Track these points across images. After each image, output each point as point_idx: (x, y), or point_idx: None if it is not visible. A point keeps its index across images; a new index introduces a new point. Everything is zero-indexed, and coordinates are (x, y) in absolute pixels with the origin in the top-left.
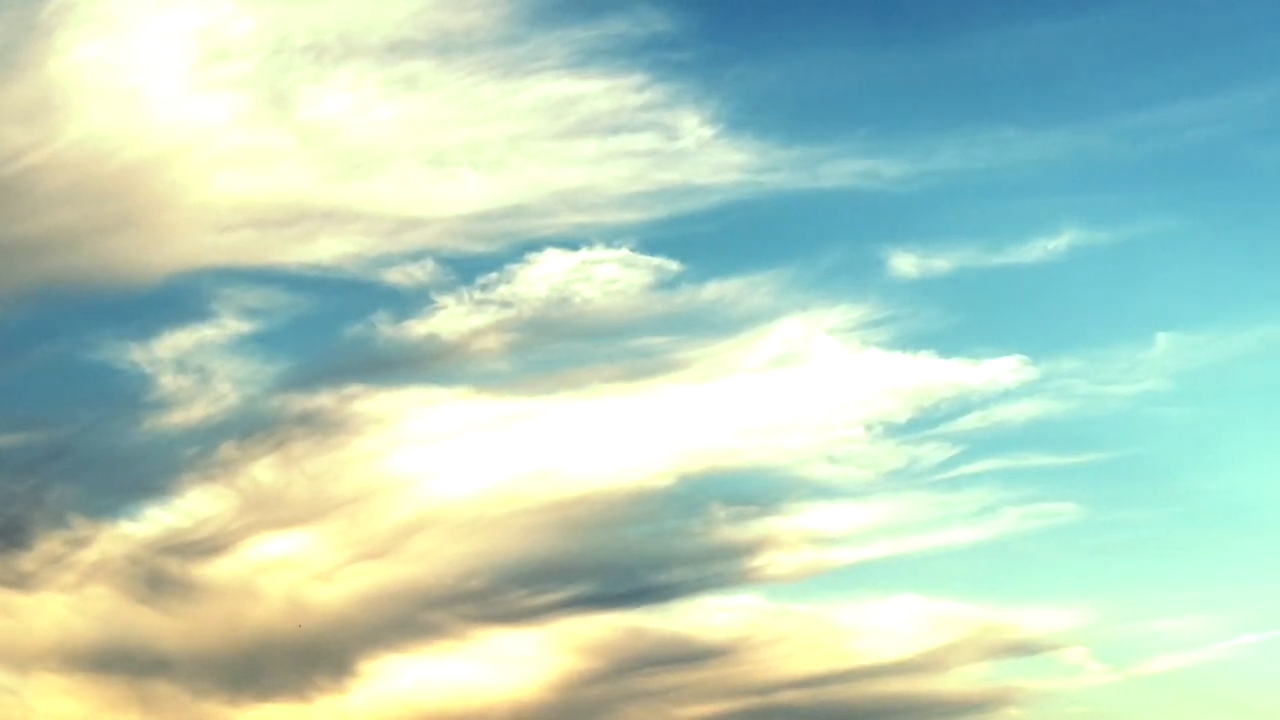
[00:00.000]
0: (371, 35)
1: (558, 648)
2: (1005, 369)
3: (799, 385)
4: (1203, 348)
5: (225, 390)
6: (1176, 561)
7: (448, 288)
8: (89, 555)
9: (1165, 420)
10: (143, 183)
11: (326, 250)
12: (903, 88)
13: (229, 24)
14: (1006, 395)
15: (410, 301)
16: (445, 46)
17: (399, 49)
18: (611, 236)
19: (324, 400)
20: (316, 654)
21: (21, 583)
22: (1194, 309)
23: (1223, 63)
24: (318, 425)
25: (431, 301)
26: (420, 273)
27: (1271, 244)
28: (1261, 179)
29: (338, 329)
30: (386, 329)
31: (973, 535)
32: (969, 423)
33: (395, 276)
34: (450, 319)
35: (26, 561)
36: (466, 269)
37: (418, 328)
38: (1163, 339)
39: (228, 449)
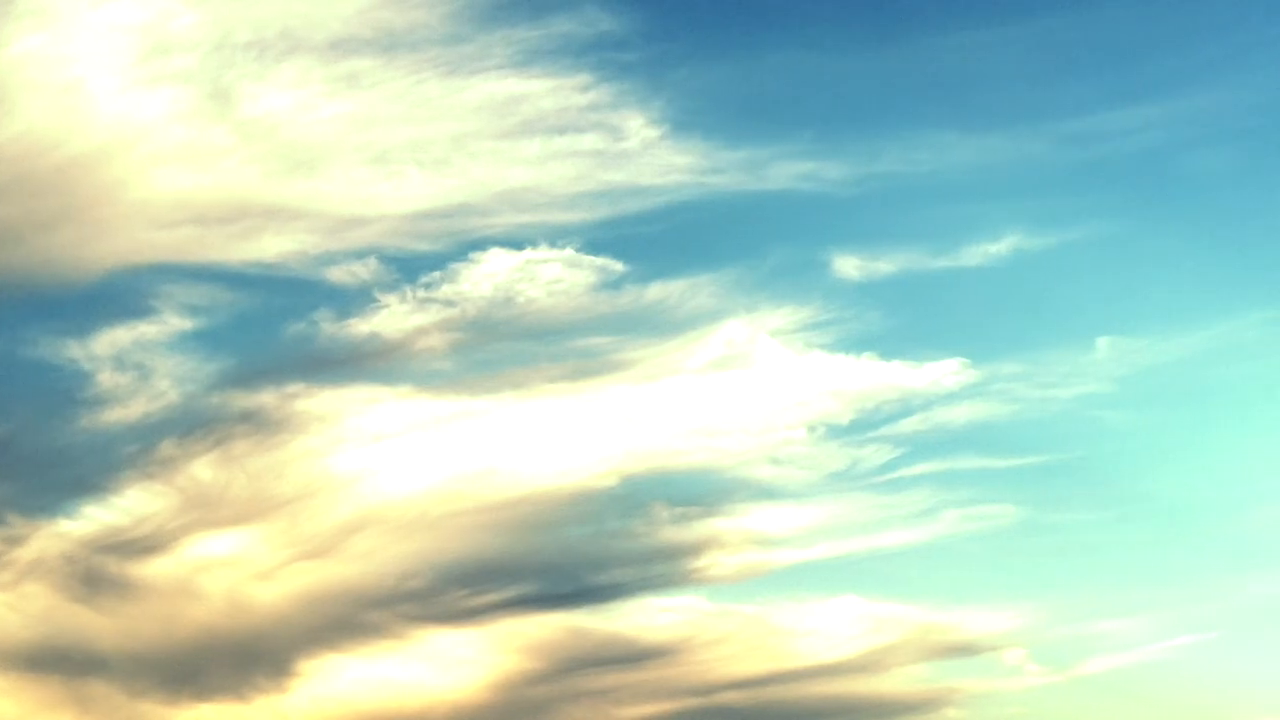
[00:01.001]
0: (315, 32)
1: (499, 648)
2: (947, 371)
3: (742, 387)
4: (1142, 352)
5: (165, 388)
6: (1115, 564)
7: (391, 286)
8: (25, 553)
9: (1105, 423)
10: (83, 178)
11: (269, 248)
12: (847, 91)
13: (171, 19)
14: (948, 398)
15: (353, 300)
16: (389, 45)
17: (342, 46)
18: (556, 236)
19: (265, 398)
20: (256, 654)
21: None
22: (1134, 313)
23: (1162, 70)
24: (258, 424)
25: (374, 300)
26: (363, 271)
27: (1209, 249)
28: (1200, 185)
29: (279, 327)
30: (329, 327)
31: (913, 537)
32: (910, 425)
33: (338, 275)
34: (393, 318)
35: None
36: (410, 268)
37: (360, 326)
38: (1103, 343)
39: (167, 447)
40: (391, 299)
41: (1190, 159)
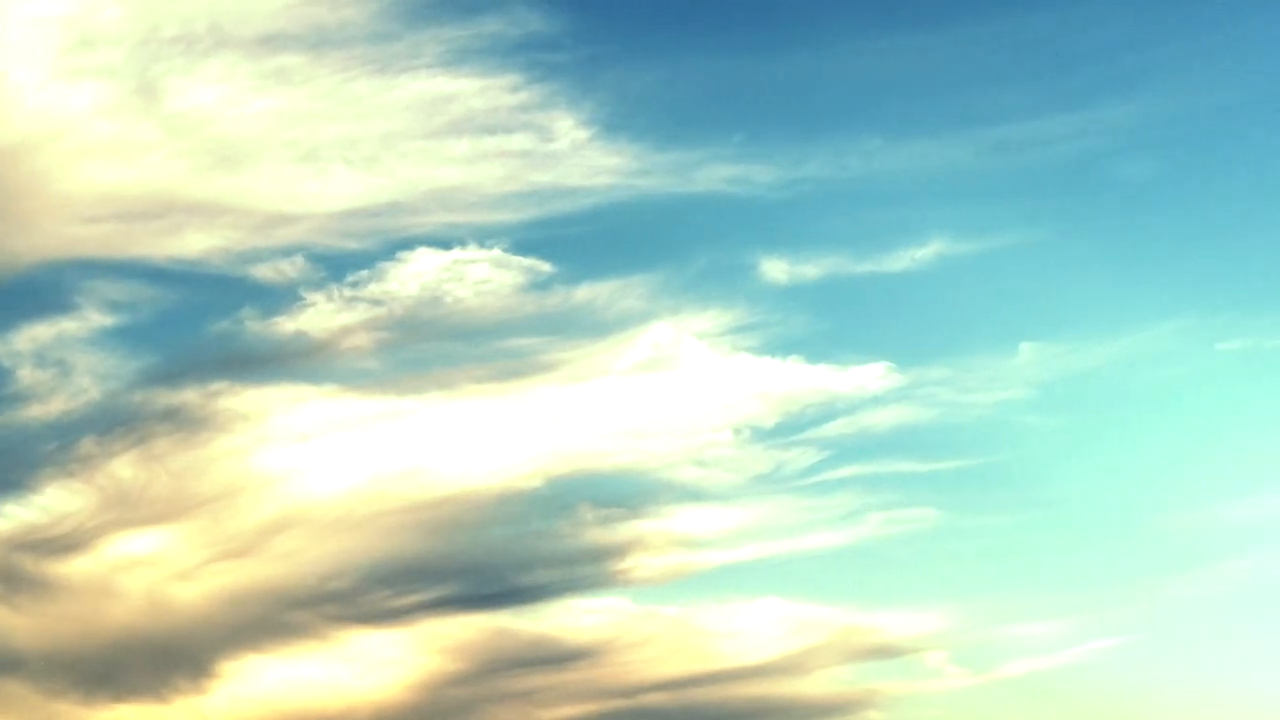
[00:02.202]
0: (243, 28)
1: (422, 649)
2: (872, 375)
3: (668, 389)
4: (1063, 358)
5: (86, 384)
6: (1035, 567)
7: (317, 285)
8: None
9: (1026, 428)
10: (5, 171)
11: (193, 244)
12: (776, 95)
13: (97, 11)
14: (872, 401)
15: (279, 298)
16: (318, 41)
17: (271, 42)
18: (484, 236)
19: (188, 396)
20: (175, 654)
21: None
22: (1056, 320)
23: (1087, 80)
24: (181, 422)
25: (301, 298)
26: (290, 269)
27: (1131, 257)
28: (1123, 194)
29: (203, 324)
30: (254, 325)
31: (837, 539)
32: (835, 428)
33: (264, 272)
34: (319, 316)
35: None
36: (337, 266)
37: (286, 325)
38: (1025, 348)
39: (87, 445)
40: (318, 297)
41: (1112, 168)
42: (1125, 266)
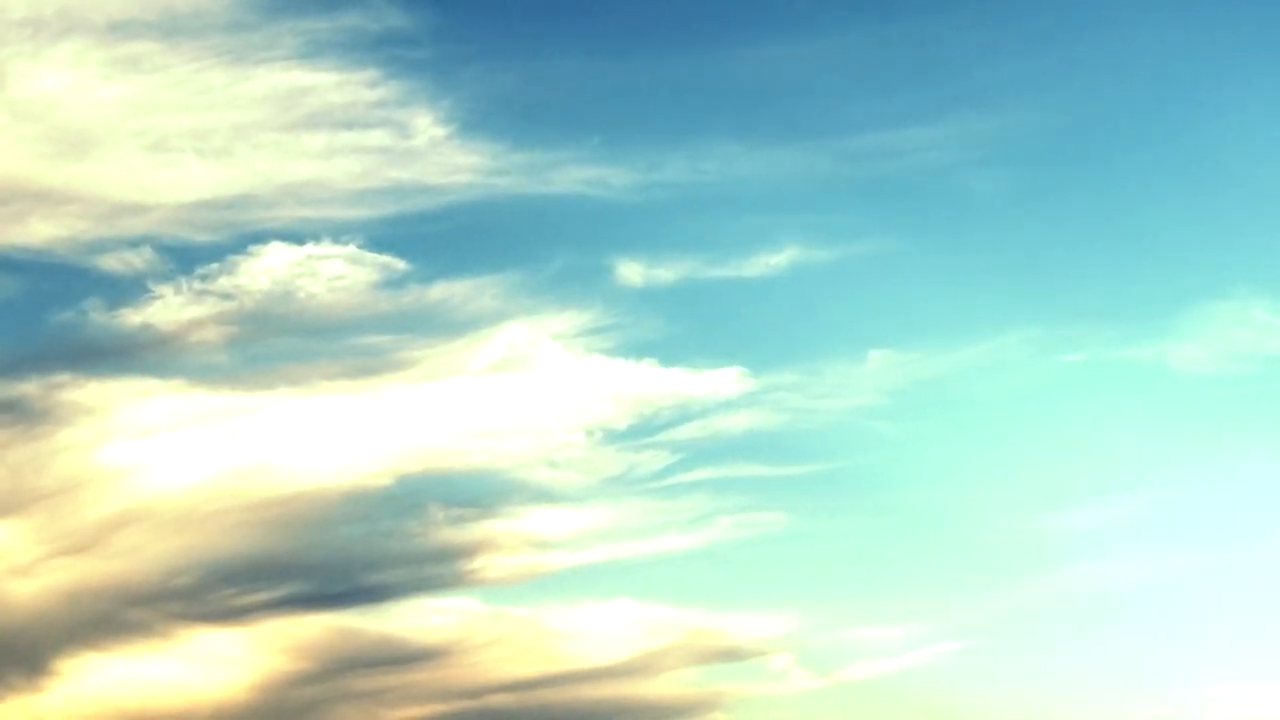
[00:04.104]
0: (93, 13)
1: (266, 648)
2: (725, 380)
3: (522, 389)
4: (912, 366)
5: None
6: (880, 572)
7: (166, 277)
8: None
9: (875, 435)
10: None
11: (37, 233)
12: (636, 98)
13: None
14: (725, 405)
15: (125, 289)
16: (171, 29)
17: (122, 29)
18: (338, 232)
19: (29, 388)
20: (10, 652)
21: None
22: (906, 328)
23: (945, 92)
24: (21, 414)
25: (148, 290)
26: (137, 260)
27: (983, 268)
28: (976, 206)
29: (46, 315)
30: (99, 317)
31: (687, 542)
32: (688, 431)
33: (110, 263)
34: (167, 309)
35: None
36: (186, 258)
37: (132, 317)
38: (875, 356)
39: None
40: (166, 290)
41: (965, 181)
42: (975, 278)
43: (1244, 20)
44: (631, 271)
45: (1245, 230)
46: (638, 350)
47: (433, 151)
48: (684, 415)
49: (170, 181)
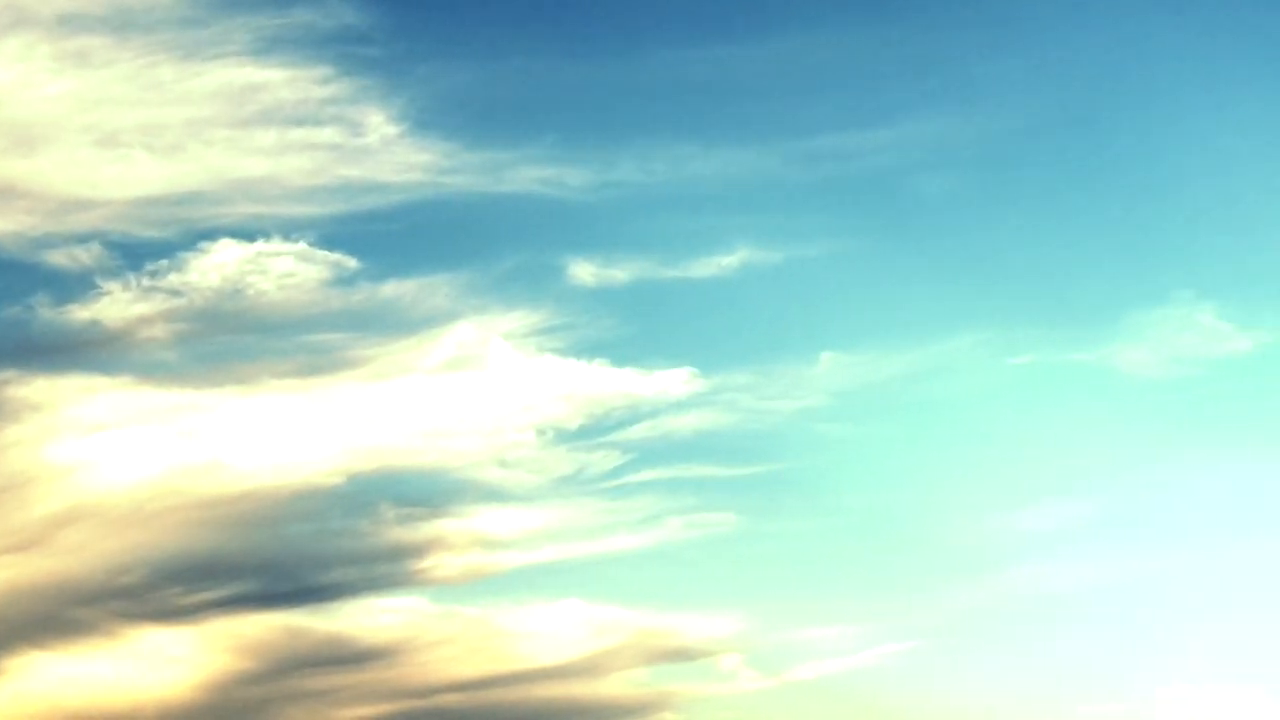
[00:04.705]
0: (42, 6)
1: (213, 647)
2: (676, 380)
3: (473, 388)
4: (862, 368)
5: None
6: (830, 572)
7: (114, 273)
8: None
9: (824, 436)
10: None
11: None
12: (589, 98)
13: None
14: (676, 406)
15: (73, 285)
16: (122, 24)
17: (72, 22)
18: (289, 229)
19: None
20: None
21: None
22: (856, 330)
23: (897, 96)
24: None
25: (96, 286)
26: (85, 256)
27: (933, 271)
28: (925, 208)
29: None
30: (46, 312)
31: (637, 542)
32: (638, 432)
33: (58, 258)
34: (115, 305)
35: None
36: (135, 255)
37: (80, 313)
38: (826, 357)
39: None
40: (114, 286)
41: (916, 184)
42: (925, 280)
43: (1192, 28)
44: (584, 271)
45: (1191, 235)
46: (589, 350)
47: (385, 149)
48: (635, 415)
49: (119, 177)
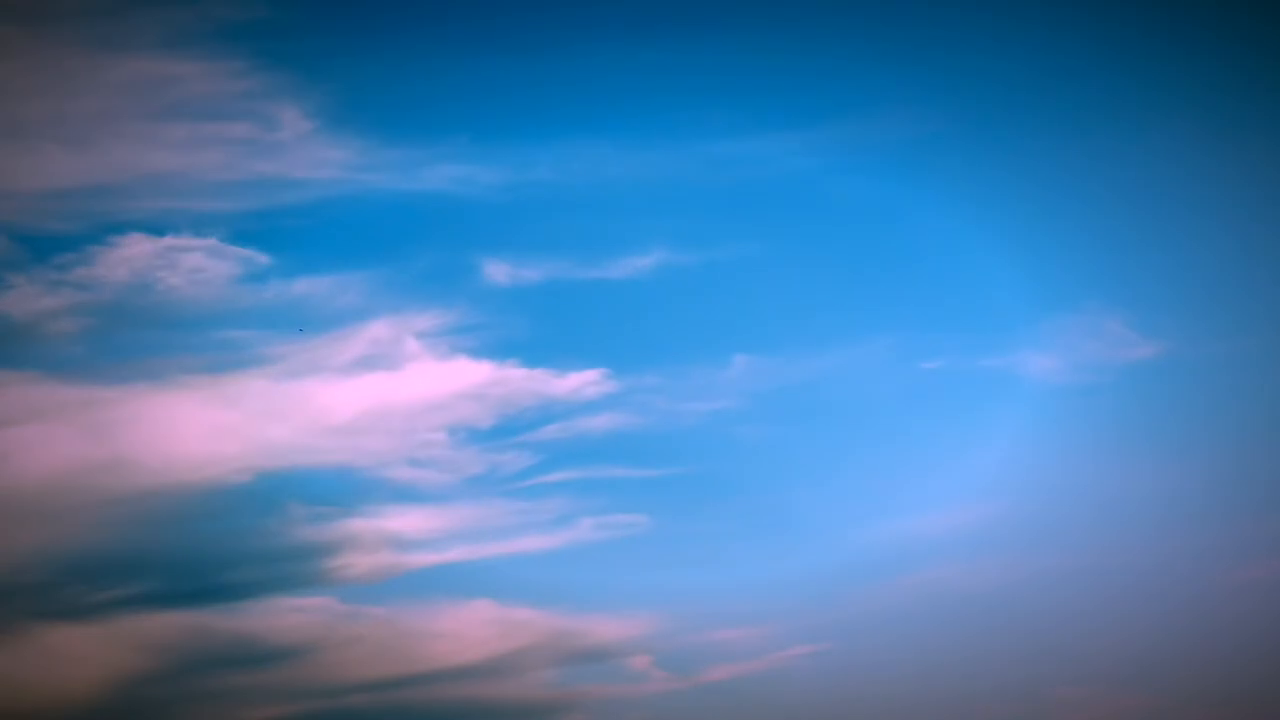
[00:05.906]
0: None
1: (118, 646)
2: (588, 381)
3: (385, 387)
4: (775, 370)
5: None
6: (739, 574)
7: (20, 266)
8: None
9: (737, 438)
10: None
11: None
12: (505, 97)
13: None
14: (588, 407)
15: None
16: (33, 13)
17: None
18: (200, 224)
19: None
20: None
21: None
22: (770, 333)
23: (811, 101)
24: None
25: (2, 280)
26: None
27: (845, 274)
28: (839, 212)
29: None
30: None
31: (548, 543)
32: (550, 432)
33: None
34: (22, 299)
35: None
36: (42, 248)
37: None
38: (739, 360)
39: None
40: (20, 279)
41: (832, 186)
42: (837, 284)
43: (1102, 34)
44: (498, 271)
45: (1099, 243)
46: (502, 350)
47: (298, 145)
48: (547, 416)
49: (28, 169)
